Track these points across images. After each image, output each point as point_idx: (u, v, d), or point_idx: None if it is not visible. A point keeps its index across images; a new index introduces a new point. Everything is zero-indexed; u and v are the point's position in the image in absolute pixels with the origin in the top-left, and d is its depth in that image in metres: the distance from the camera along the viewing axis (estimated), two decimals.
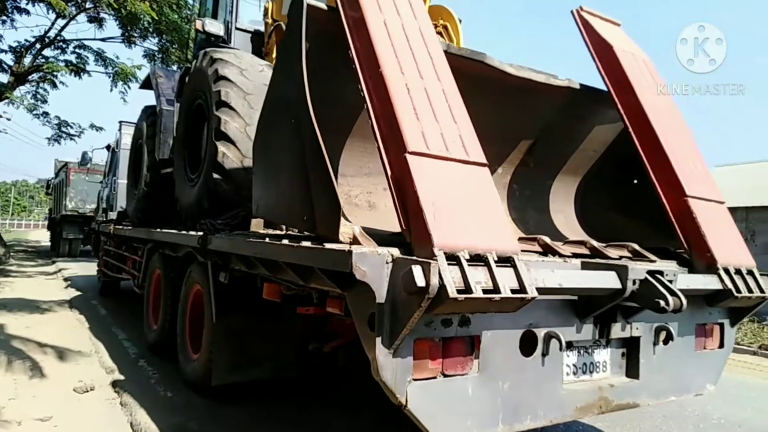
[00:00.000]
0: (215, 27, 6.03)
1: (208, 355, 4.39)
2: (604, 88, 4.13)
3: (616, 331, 3.07)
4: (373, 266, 2.20)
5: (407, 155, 2.33)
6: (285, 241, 2.76)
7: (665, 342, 3.30)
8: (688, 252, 3.41)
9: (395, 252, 2.26)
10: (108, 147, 11.47)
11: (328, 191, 2.49)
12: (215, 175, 4.42)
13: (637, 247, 3.51)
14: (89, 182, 18.56)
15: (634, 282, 2.72)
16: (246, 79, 4.55)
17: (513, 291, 2.20)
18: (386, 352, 2.23)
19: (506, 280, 2.21)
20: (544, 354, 2.74)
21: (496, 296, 2.15)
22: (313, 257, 2.45)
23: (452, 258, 2.15)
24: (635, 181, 4.63)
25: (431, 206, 2.22)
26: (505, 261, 2.29)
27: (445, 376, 2.43)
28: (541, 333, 2.73)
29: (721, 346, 3.69)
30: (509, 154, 4.40)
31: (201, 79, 4.80)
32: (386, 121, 2.47)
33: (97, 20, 17.09)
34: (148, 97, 7.25)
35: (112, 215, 9.52)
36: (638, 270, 2.74)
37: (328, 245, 2.38)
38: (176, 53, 18.16)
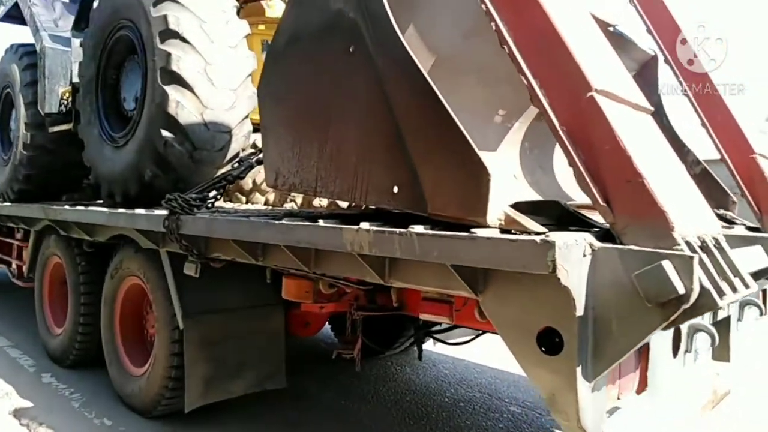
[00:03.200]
0: None
1: (166, 372, 3.34)
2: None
3: (721, 311, 2.65)
4: (573, 263, 1.46)
5: (595, 95, 1.59)
6: (366, 225, 1.89)
7: (740, 318, 2.98)
8: (758, 215, 3.08)
9: (593, 240, 1.54)
10: None
11: (457, 152, 1.69)
12: (165, 133, 3.27)
13: None
14: None
15: None
16: (199, 3, 3.40)
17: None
18: (587, 387, 1.53)
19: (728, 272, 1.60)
20: (687, 351, 2.22)
21: (737, 296, 1.53)
22: (450, 251, 1.64)
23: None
24: None
25: (649, 171, 1.52)
26: (716, 246, 1.67)
27: (619, 399, 1.81)
28: (684, 327, 2.19)
29: (762, 313, 3.49)
30: (528, 107, 3.79)
31: (128, 2, 3.53)
32: (543, 47, 1.69)
33: None
34: None
35: None
36: None
37: (482, 232, 1.58)
38: None
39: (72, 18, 5.27)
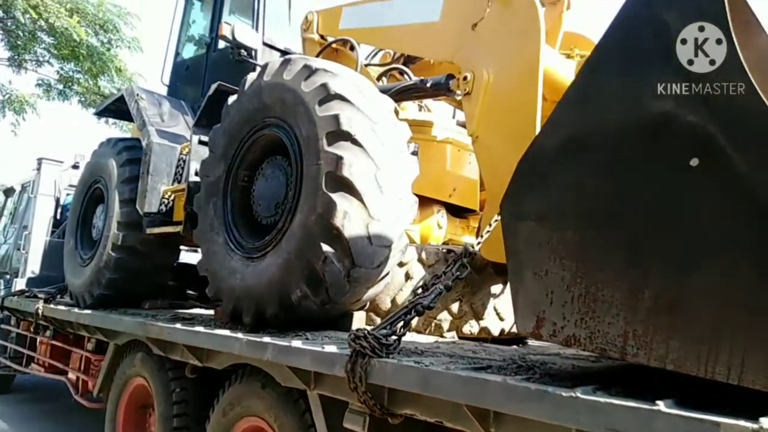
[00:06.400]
0: (249, 36, 4.38)
1: None
2: None
3: None
4: None
5: None
6: None
7: None
8: None
9: None
10: (7, 191, 8.78)
11: None
12: (325, 247, 2.75)
13: None
14: None
15: None
16: (368, 102, 3.01)
17: None
18: None
19: None
20: None
21: None
22: None
23: None
24: None
25: None
26: None
27: None
28: None
29: None
30: None
31: (282, 99, 3.15)
32: None
33: None
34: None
35: (20, 283, 6.97)
36: None
37: None
38: (84, 85, 15.56)
39: (178, 114, 5.05)
